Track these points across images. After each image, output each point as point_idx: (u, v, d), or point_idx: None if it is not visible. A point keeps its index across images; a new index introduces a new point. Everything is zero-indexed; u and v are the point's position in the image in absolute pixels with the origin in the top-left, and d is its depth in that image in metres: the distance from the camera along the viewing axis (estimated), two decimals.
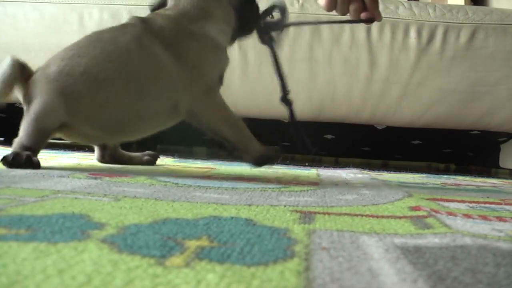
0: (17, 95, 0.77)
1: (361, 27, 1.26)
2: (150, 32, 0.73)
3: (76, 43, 0.77)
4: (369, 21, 0.78)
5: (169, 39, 0.72)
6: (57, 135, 0.79)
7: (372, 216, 0.44)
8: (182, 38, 0.73)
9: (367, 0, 0.76)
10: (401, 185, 0.77)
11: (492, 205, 0.56)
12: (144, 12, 1.24)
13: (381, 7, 1.27)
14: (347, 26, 1.26)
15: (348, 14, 0.78)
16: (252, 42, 1.26)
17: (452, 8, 1.30)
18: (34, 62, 1.32)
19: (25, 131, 0.75)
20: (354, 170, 1.12)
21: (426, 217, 0.44)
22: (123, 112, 0.74)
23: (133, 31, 0.74)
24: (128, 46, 0.72)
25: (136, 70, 0.72)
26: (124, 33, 0.74)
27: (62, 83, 0.72)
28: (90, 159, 1.01)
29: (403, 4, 1.29)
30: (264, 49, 1.26)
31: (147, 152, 0.96)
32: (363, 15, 0.77)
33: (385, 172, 1.17)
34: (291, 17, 1.27)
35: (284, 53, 1.25)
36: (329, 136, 1.46)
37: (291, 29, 1.25)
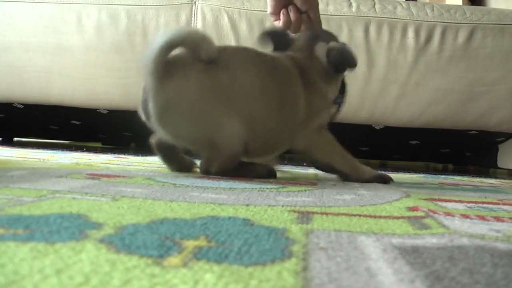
0: None
1: (359, 27, 1.26)
2: (296, 70, 0.79)
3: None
4: None
5: (307, 83, 0.79)
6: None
7: (370, 216, 0.44)
8: (315, 87, 0.80)
9: (315, 22, 0.89)
10: (399, 186, 0.77)
11: (490, 205, 0.56)
12: (142, 12, 1.24)
13: (379, 7, 1.28)
14: (344, 25, 1.26)
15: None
16: (250, 42, 1.26)
17: (450, 8, 1.30)
18: (32, 62, 1.32)
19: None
20: None
21: (424, 217, 0.44)
22: (272, 133, 0.77)
23: (287, 64, 0.79)
24: (285, 76, 0.77)
25: (286, 100, 0.76)
26: (280, 64, 0.79)
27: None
28: (88, 159, 1.01)
29: (401, 4, 1.30)
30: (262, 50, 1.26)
31: None
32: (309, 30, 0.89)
33: (383, 172, 1.17)
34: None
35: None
36: None
37: None
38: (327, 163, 0.82)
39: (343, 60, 0.82)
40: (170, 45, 0.65)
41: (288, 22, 0.88)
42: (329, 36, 0.88)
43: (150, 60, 0.64)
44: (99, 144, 2.07)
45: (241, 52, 0.77)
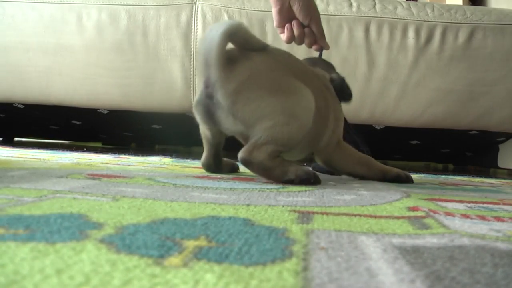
0: None
1: (359, 27, 1.26)
2: (325, 87, 0.84)
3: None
4: (321, 49, 0.97)
5: (332, 99, 0.84)
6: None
7: (370, 216, 0.44)
8: (337, 102, 0.87)
9: (317, 34, 0.94)
10: (399, 185, 0.77)
11: (490, 205, 0.56)
12: (142, 12, 1.24)
13: (379, 7, 1.28)
14: (345, 25, 1.26)
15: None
16: None
17: (450, 8, 1.30)
18: (33, 62, 1.32)
19: None
20: None
21: (424, 217, 0.44)
22: (310, 134, 0.75)
23: (322, 80, 0.85)
24: (321, 85, 0.82)
25: (322, 107, 0.78)
26: (316, 73, 0.84)
27: None
28: (89, 159, 1.01)
29: (401, 4, 1.30)
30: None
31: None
32: (314, 47, 0.96)
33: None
34: None
35: None
36: None
37: None
38: (349, 171, 0.86)
39: (342, 92, 0.88)
40: (228, 35, 0.64)
41: (291, 37, 0.94)
42: (328, 65, 0.95)
43: (213, 51, 0.63)
44: (99, 144, 2.07)
45: (283, 53, 0.79)
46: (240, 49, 0.70)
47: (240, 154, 0.68)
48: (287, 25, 0.93)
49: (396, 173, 0.85)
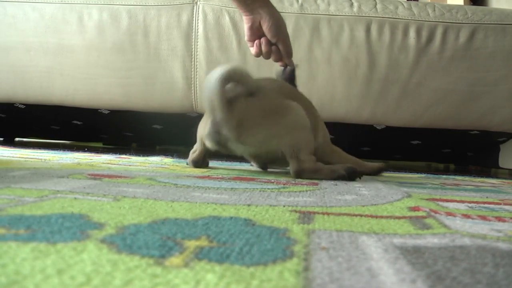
0: None
1: (360, 27, 1.26)
2: (308, 101, 0.99)
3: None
4: (286, 66, 1.03)
5: (314, 109, 0.99)
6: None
7: (371, 216, 0.44)
8: (317, 111, 1.00)
9: (283, 53, 1.00)
10: (400, 185, 0.77)
11: (491, 205, 0.56)
12: (143, 12, 1.25)
13: (380, 7, 1.27)
14: (346, 25, 1.26)
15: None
16: None
17: (451, 8, 1.30)
18: (34, 62, 1.32)
19: None
20: None
21: (425, 217, 0.44)
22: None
23: (305, 96, 0.99)
24: (309, 103, 0.96)
25: (313, 119, 0.89)
26: (302, 95, 0.98)
27: None
28: (90, 159, 1.01)
29: (402, 4, 1.29)
30: None
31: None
32: (279, 64, 1.03)
33: (385, 172, 1.17)
34: (291, 17, 1.27)
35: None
36: None
37: (291, 28, 1.25)
38: (334, 163, 0.94)
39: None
40: (224, 81, 0.74)
41: (259, 52, 1.01)
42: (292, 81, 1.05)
43: (214, 97, 0.73)
44: (100, 144, 2.07)
45: (272, 82, 0.92)
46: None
47: (293, 170, 0.82)
48: (256, 41, 1.00)
49: (371, 166, 1.00)
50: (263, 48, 0.99)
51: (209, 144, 0.84)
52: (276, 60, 1.02)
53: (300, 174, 0.81)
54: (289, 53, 1.01)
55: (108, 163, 0.91)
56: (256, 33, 0.99)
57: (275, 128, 0.80)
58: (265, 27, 0.97)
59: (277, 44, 0.99)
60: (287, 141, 0.80)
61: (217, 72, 0.74)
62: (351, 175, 0.81)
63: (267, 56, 1.01)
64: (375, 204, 0.52)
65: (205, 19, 1.28)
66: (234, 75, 0.77)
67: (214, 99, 0.74)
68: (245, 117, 0.78)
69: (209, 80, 0.74)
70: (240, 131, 0.78)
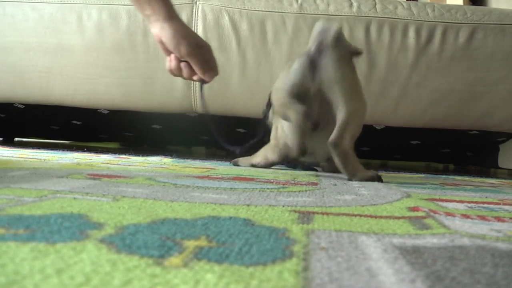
0: None
1: (360, 27, 1.26)
2: None
3: None
4: (202, 81, 1.01)
5: None
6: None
7: (371, 216, 0.44)
8: None
9: (195, 68, 0.94)
10: (399, 186, 0.77)
11: (491, 206, 0.56)
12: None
13: (380, 7, 1.27)
14: (345, 25, 1.26)
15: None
16: (250, 42, 1.26)
17: (450, 8, 1.30)
18: (33, 62, 1.32)
19: None
20: None
21: (425, 217, 0.44)
22: None
23: None
24: None
25: None
26: None
27: None
28: (89, 159, 1.01)
29: (402, 4, 1.29)
30: (262, 50, 1.26)
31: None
32: (195, 78, 0.96)
33: (384, 172, 1.17)
34: (291, 17, 1.27)
35: (283, 52, 1.26)
36: None
37: (291, 28, 1.25)
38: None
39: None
40: (339, 35, 0.83)
41: (169, 67, 0.95)
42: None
43: (332, 28, 0.82)
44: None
45: None
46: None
47: (332, 138, 0.81)
48: (168, 57, 0.95)
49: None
50: (170, 64, 0.94)
51: (297, 73, 0.85)
52: (188, 77, 0.96)
53: (335, 146, 0.81)
54: (203, 69, 0.94)
55: (107, 163, 0.91)
56: (164, 48, 0.93)
57: (357, 90, 0.86)
58: (165, 42, 0.91)
59: (189, 61, 0.93)
60: (353, 106, 0.83)
61: (332, 30, 0.82)
62: (380, 179, 0.83)
63: (177, 72, 0.95)
64: (374, 204, 0.52)
65: (204, 19, 1.28)
66: (342, 37, 0.85)
67: (332, 29, 0.82)
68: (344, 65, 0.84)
69: (323, 30, 0.82)
70: (339, 65, 0.83)
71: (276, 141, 1.00)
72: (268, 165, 1.04)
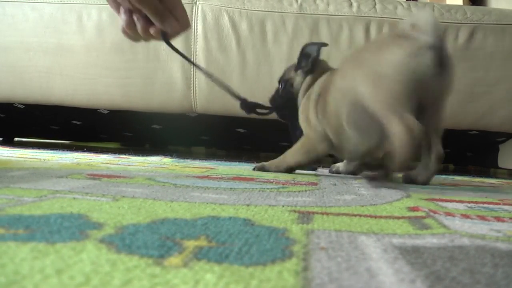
0: None
1: (359, 27, 1.26)
2: None
3: None
4: (164, 35, 0.77)
5: None
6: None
7: (371, 216, 0.44)
8: None
9: (149, 16, 0.74)
10: (399, 185, 0.77)
11: (491, 206, 0.56)
12: None
13: (379, 7, 1.27)
14: (345, 25, 1.26)
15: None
16: (250, 42, 1.26)
17: (450, 8, 1.30)
18: (33, 62, 1.32)
19: None
20: None
21: (424, 217, 0.44)
22: None
23: None
24: None
25: None
26: None
27: None
28: (89, 159, 1.01)
29: (401, 4, 1.29)
30: (262, 50, 1.26)
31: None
32: (152, 31, 0.76)
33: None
34: (291, 17, 1.27)
35: (282, 52, 1.26)
36: None
37: (290, 28, 1.25)
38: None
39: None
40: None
41: (122, 27, 0.77)
42: None
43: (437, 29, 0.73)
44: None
45: None
46: None
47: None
48: (119, 14, 0.75)
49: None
50: (122, 22, 0.75)
51: (424, 64, 0.73)
52: (143, 31, 0.76)
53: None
54: (160, 16, 0.74)
55: (107, 163, 0.91)
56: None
57: None
58: None
59: (138, 8, 0.74)
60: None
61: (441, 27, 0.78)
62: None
63: (131, 31, 0.76)
64: (374, 204, 0.52)
65: (204, 19, 1.28)
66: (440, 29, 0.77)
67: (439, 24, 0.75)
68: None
69: (436, 25, 0.74)
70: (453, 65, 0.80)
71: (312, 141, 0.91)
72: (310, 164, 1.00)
